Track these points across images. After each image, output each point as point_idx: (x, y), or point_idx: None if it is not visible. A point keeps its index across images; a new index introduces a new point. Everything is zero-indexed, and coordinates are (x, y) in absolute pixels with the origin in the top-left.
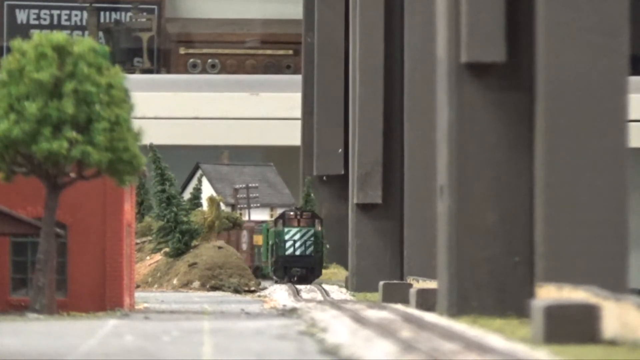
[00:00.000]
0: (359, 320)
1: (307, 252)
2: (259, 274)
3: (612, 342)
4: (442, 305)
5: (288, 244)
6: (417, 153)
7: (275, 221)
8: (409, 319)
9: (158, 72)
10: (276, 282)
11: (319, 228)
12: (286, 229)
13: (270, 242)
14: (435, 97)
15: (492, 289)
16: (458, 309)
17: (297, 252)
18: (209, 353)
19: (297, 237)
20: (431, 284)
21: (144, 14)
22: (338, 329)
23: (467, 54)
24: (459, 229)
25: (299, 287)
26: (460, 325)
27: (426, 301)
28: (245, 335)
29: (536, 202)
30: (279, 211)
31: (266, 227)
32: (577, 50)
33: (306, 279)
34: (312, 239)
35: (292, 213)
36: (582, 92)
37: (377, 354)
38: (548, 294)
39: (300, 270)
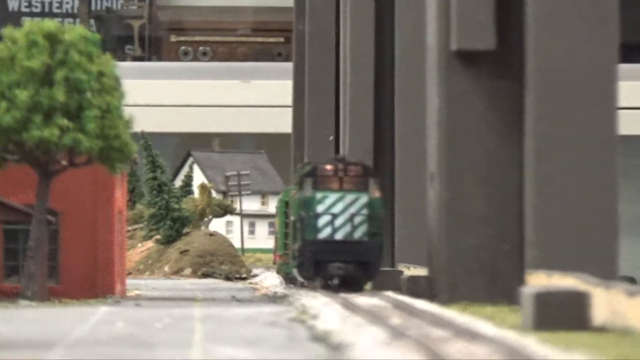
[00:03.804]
0: (350, 307)
1: (356, 236)
2: (282, 273)
3: (602, 329)
4: (432, 292)
5: (323, 221)
6: (407, 140)
7: (301, 180)
8: (399, 306)
9: (149, 59)
10: (302, 285)
11: (376, 194)
12: (319, 195)
13: (293, 218)
14: (426, 85)
15: (483, 276)
16: (449, 296)
17: (339, 235)
18: (199, 340)
19: (338, 207)
20: (422, 271)
21: (135, 1)
22: (328, 315)
23: (457, 41)
24: (449, 217)
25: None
26: (450, 312)
27: (417, 288)
28: (236, 322)
29: (526, 190)
30: (271, 199)
31: (284, 196)
32: (567, 38)
33: (353, 282)
34: (364, 211)
35: (329, 167)
36: (572, 80)
37: (366, 340)
38: (538, 281)
39: (345, 268)
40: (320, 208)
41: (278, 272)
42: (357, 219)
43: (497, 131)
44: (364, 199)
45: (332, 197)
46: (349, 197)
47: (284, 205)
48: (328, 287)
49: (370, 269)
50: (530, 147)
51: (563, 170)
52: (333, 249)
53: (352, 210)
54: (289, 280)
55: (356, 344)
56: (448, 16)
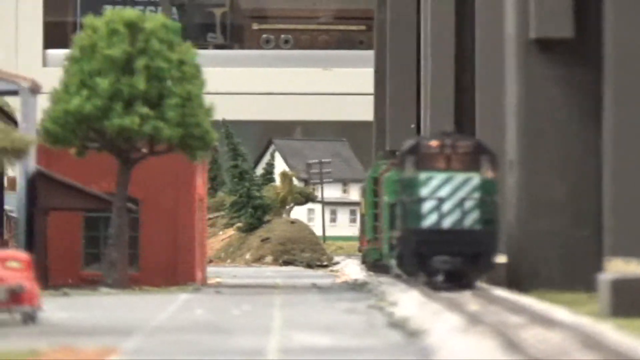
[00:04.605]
0: (428, 294)
1: (467, 223)
2: (368, 261)
3: None
4: (511, 279)
5: (427, 207)
6: (488, 127)
7: (401, 158)
8: (477, 293)
9: (231, 47)
10: (397, 276)
11: (490, 174)
12: (424, 176)
13: (388, 200)
14: (505, 73)
15: (561, 262)
16: (527, 283)
17: (446, 223)
18: (278, 327)
19: (445, 190)
20: (502, 258)
21: None
22: (407, 302)
23: (535, 29)
24: (528, 203)
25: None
26: (527, 299)
27: (496, 275)
28: (315, 309)
29: (604, 177)
30: (352, 187)
31: (373, 172)
32: None
33: (463, 277)
34: (476, 195)
35: (434, 142)
36: None
37: (443, 326)
38: (616, 267)
39: (452, 261)
40: (424, 191)
41: (363, 260)
42: (468, 204)
43: (576, 118)
44: (475, 180)
45: (438, 178)
46: (458, 178)
47: (373, 182)
48: (432, 284)
49: (483, 262)
50: (609, 134)
51: None
52: (439, 239)
53: (462, 193)
54: (377, 268)
55: (433, 330)
56: (527, 4)
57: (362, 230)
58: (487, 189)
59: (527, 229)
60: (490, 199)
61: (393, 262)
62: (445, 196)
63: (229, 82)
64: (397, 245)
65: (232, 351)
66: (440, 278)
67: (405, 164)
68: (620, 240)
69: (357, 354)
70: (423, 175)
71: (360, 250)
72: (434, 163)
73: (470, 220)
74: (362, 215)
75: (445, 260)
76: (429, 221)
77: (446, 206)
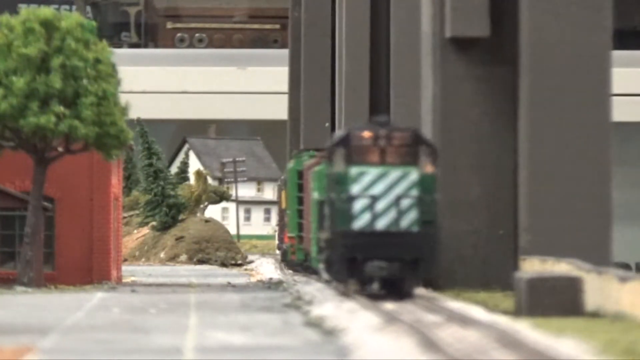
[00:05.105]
0: (344, 293)
1: (403, 225)
2: (286, 262)
3: (594, 314)
4: (427, 278)
5: (359, 206)
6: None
7: (330, 151)
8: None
9: (145, 46)
10: (327, 282)
11: (429, 169)
12: (355, 170)
13: (317, 197)
14: (421, 72)
15: (477, 261)
16: (443, 282)
17: (380, 225)
18: (194, 325)
19: (379, 188)
20: None
21: None
22: (323, 301)
23: (451, 28)
24: (443, 202)
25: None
26: (444, 298)
27: None
28: (231, 308)
29: (520, 176)
30: (267, 185)
31: (296, 164)
32: (561, 25)
33: (400, 285)
34: (413, 192)
35: (367, 133)
36: (566, 67)
37: (360, 325)
38: (531, 266)
39: (388, 267)
40: (355, 188)
41: (283, 258)
42: (405, 203)
43: (492, 117)
44: (413, 175)
45: (371, 173)
46: (394, 174)
47: (297, 175)
48: (365, 292)
49: (422, 267)
50: (524, 132)
51: (557, 156)
52: (372, 242)
53: (398, 190)
54: (301, 268)
55: (349, 328)
56: (442, 3)
57: (282, 226)
58: (426, 185)
59: (443, 227)
60: (430, 197)
61: (321, 267)
62: (379, 194)
63: (143, 81)
64: (326, 249)
65: (149, 350)
66: (375, 286)
67: (334, 157)
68: (535, 239)
69: (273, 353)
70: (354, 170)
71: (279, 248)
72: (367, 156)
73: (408, 221)
74: (282, 210)
75: (381, 266)
76: (361, 222)
77: (380, 205)
